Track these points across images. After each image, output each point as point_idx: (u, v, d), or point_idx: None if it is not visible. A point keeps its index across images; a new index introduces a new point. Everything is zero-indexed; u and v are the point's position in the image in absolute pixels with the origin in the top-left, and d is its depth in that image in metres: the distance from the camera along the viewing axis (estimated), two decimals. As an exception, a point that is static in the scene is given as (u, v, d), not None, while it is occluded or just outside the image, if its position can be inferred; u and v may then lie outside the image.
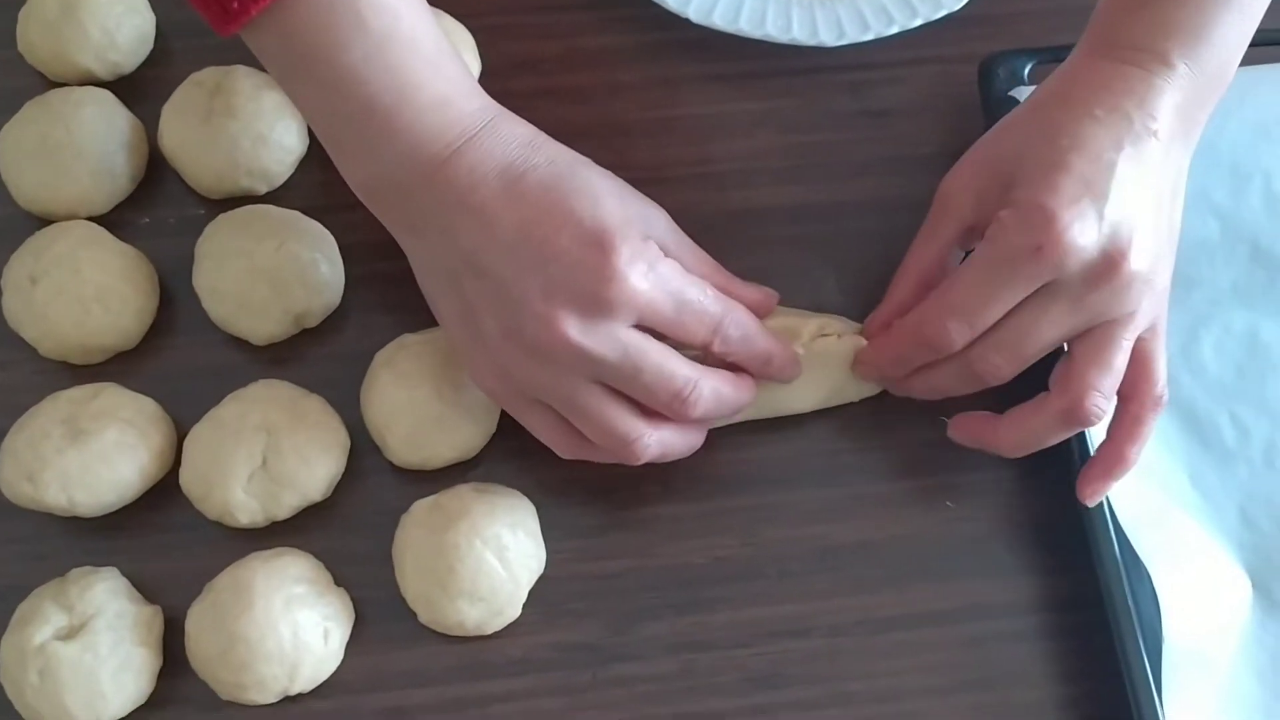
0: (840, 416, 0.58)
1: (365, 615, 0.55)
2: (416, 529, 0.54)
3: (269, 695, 0.52)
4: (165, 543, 0.56)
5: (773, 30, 0.64)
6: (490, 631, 0.54)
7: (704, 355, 0.52)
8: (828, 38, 0.64)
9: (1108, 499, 0.55)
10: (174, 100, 0.62)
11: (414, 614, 0.54)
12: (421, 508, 0.55)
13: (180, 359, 0.59)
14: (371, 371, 0.57)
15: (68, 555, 0.55)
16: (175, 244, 0.60)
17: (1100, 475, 0.54)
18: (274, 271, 0.57)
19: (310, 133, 0.62)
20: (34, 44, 0.63)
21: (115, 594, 0.53)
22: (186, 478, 0.55)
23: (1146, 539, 0.55)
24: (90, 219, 0.60)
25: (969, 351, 0.52)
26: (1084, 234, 0.49)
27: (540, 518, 0.56)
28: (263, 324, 0.58)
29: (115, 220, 0.61)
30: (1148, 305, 0.51)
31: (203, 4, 0.48)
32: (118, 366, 0.59)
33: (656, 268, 0.50)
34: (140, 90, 0.64)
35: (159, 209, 0.62)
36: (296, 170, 0.63)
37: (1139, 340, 0.52)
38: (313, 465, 0.55)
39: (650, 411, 0.52)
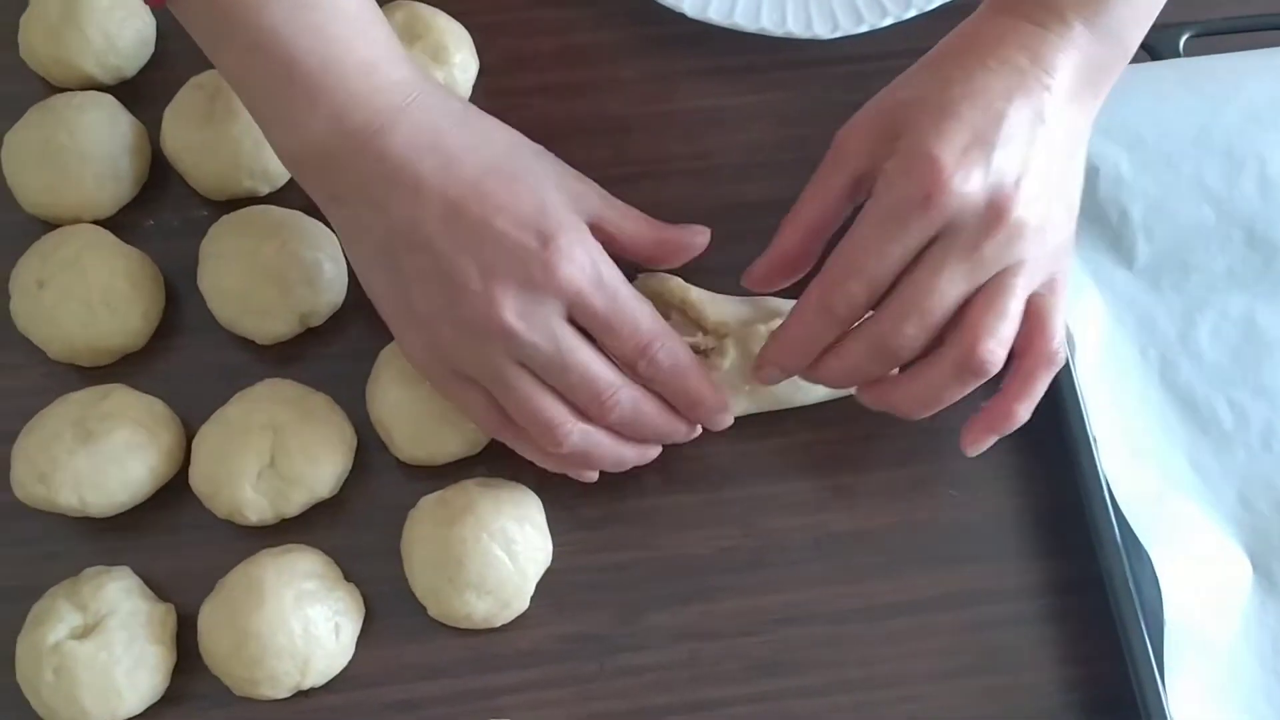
0: (841, 405, 0.58)
1: (375, 610, 0.55)
2: (424, 524, 0.55)
3: (281, 690, 0.53)
4: (176, 541, 0.56)
5: (768, 24, 0.65)
6: (499, 624, 0.55)
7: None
8: (823, 30, 0.65)
9: (1107, 482, 0.55)
10: (175, 103, 0.62)
11: (423, 608, 0.55)
12: (428, 503, 0.55)
13: (187, 359, 0.60)
14: (376, 369, 0.58)
15: (80, 555, 0.55)
16: (180, 245, 0.61)
17: (984, 428, 0.53)
18: (278, 271, 0.58)
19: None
20: (35, 49, 0.63)
21: (128, 592, 0.53)
22: (196, 477, 0.56)
23: (1146, 522, 0.55)
24: (95, 222, 0.61)
25: (878, 324, 0.51)
26: (970, 180, 0.48)
27: (545, 511, 0.56)
28: (268, 323, 0.59)
29: (120, 223, 0.61)
30: (1040, 255, 0.50)
31: None
32: (126, 368, 0.59)
33: (596, 262, 0.50)
34: (142, 94, 0.64)
35: (163, 211, 0.63)
36: (298, 171, 0.63)
37: (1035, 296, 0.51)
38: (320, 463, 0.55)
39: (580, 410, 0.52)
